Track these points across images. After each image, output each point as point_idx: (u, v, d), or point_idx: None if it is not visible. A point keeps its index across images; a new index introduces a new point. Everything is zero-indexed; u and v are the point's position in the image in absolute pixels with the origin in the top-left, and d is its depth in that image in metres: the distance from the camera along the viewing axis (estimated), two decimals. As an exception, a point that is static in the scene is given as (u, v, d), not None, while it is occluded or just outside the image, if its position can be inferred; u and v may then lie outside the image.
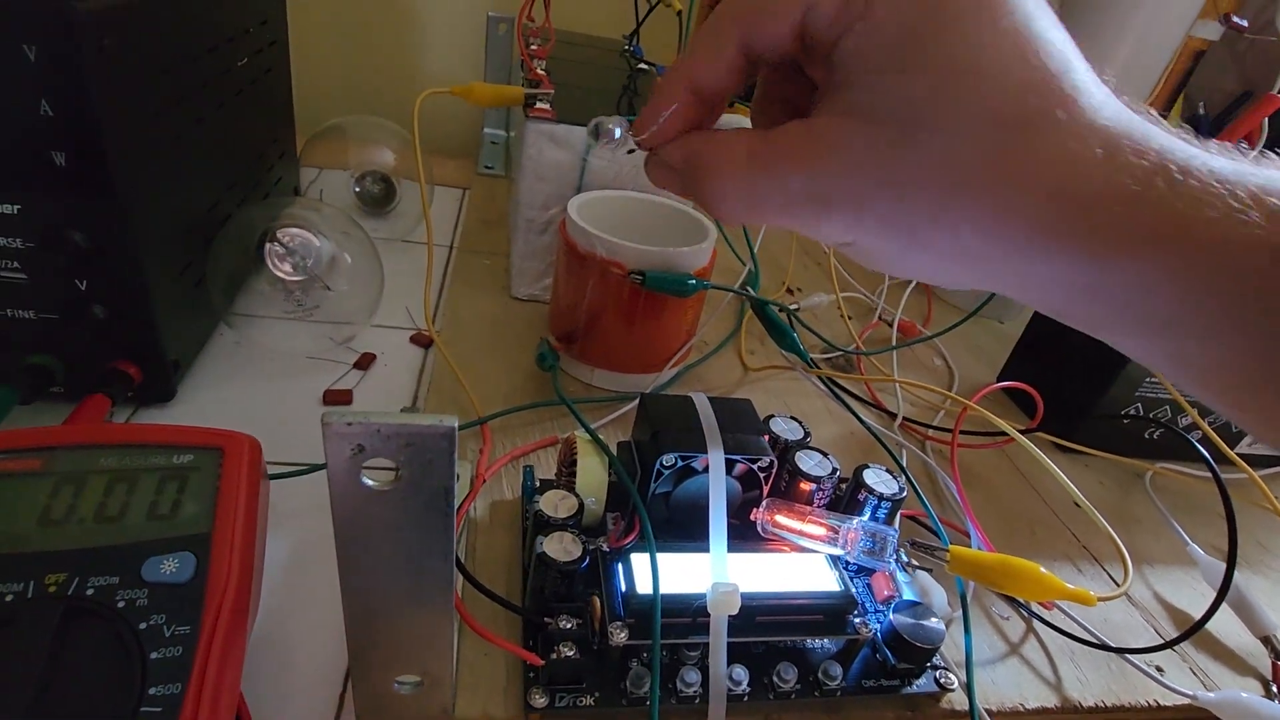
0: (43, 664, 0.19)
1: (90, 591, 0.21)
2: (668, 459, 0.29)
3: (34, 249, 0.31)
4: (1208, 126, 0.75)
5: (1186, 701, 0.31)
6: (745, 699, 0.27)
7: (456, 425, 0.17)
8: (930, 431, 0.46)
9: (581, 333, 0.43)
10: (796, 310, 0.54)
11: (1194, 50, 0.73)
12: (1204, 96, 0.77)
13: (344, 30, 0.76)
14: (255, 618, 0.25)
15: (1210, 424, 0.46)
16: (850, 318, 0.58)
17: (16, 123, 0.29)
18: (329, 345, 0.44)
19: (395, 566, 0.19)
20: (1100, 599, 0.29)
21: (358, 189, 0.58)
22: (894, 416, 0.47)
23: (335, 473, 0.17)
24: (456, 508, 0.20)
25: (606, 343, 0.43)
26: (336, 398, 0.41)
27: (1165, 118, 0.17)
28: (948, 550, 0.29)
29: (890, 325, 0.58)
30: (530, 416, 0.41)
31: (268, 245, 0.42)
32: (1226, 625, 0.36)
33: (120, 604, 0.21)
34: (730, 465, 0.30)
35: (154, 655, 0.20)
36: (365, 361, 0.44)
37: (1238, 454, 0.43)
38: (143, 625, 0.21)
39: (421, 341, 0.47)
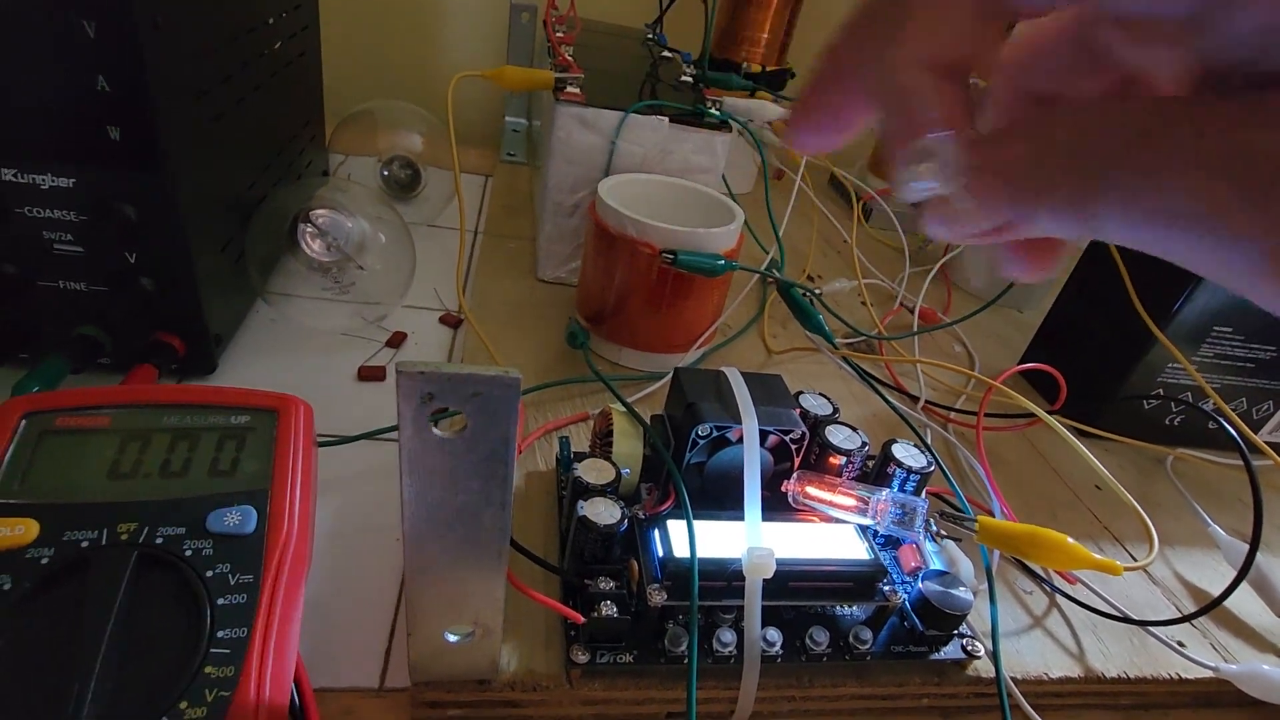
0: (119, 606, 0.20)
1: (160, 541, 0.22)
2: (703, 429, 0.30)
3: (87, 221, 0.32)
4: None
5: (1208, 674, 0.32)
6: (778, 660, 0.28)
7: (520, 376, 0.18)
8: (952, 414, 0.47)
9: (610, 312, 0.44)
10: (820, 294, 0.55)
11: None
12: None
13: (369, 17, 0.77)
14: (309, 570, 0.25)
15: (1234, 409, 0.46)
16: (871, 304, 0.59)
17: (75, 97, 0.30)
18: (361, 324, 0.45)
19: (456, 515, 0.20)
20: (1126, 569, 0.30)
21: (385, 173, 0.58)
22: (916, 399, 0.47)
23: (405, 421, 0.18)
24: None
25: (635, 323, 0.44)
26: (370, 374, 0.42)
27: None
28: (976, 520, 0.30)
29: (911, 312, 0.59)
30: (561, 393, 0.42)
31: (301, 226, 0.42)
32: (1247, 604, 0.37)
33: (188, 553, 0.22)
34: (763, 437, 0.31)
35: (220, 601, 0.21)
36: (397, 340, 0.45)
37: (1263, 440, 0.44)
38: (209, 573, 0.22)
39: (450, 322, 0.48)
